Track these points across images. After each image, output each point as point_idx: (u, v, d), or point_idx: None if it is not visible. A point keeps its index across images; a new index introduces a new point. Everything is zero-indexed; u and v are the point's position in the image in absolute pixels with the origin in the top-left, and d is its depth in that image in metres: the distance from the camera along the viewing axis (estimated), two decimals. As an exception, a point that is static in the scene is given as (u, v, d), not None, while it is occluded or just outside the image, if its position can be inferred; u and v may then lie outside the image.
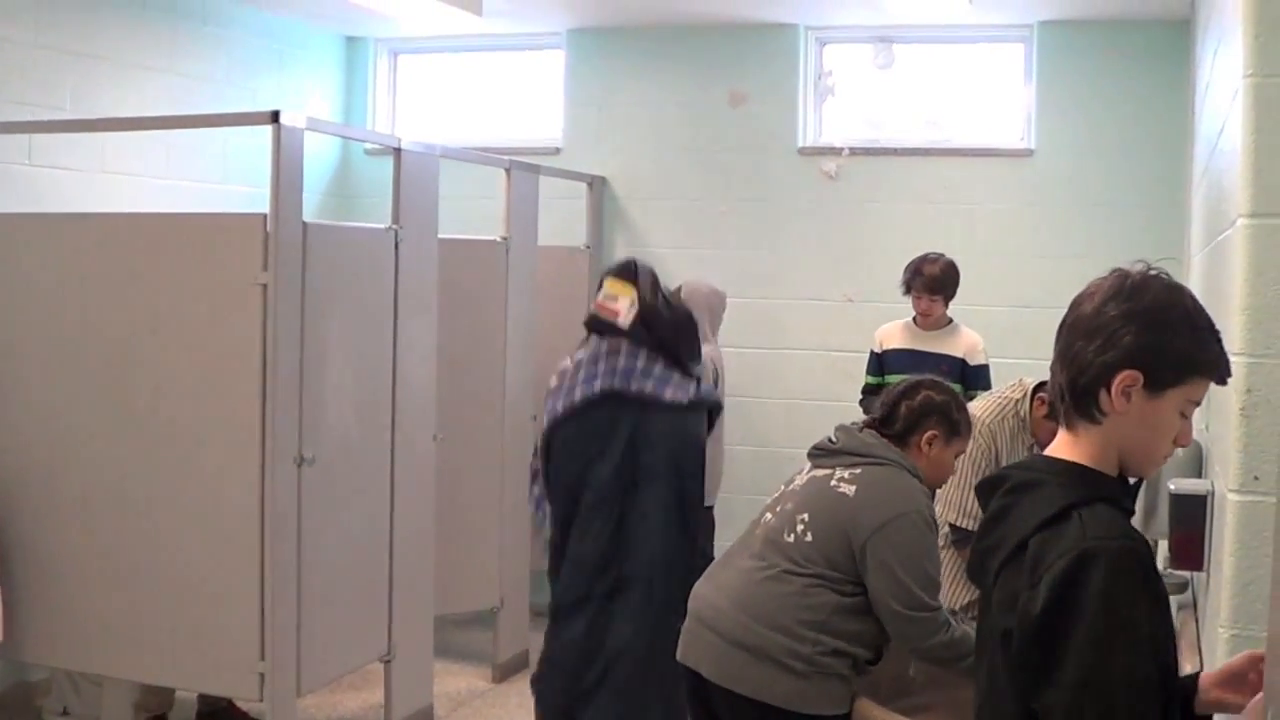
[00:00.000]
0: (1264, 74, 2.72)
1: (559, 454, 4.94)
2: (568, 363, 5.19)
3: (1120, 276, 2.31)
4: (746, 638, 3.93)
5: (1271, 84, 2.70)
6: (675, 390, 4.94)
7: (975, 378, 6.65)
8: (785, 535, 4.00)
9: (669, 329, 5.00)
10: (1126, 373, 2.26)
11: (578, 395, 4.93)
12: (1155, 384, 2.28)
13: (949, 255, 6.80)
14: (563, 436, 4.95)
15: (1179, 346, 2.28)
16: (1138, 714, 2.14)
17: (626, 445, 4.77)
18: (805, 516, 3.99)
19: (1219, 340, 2.33)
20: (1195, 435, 3.83)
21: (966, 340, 6.79)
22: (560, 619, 4.98)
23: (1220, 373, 2.34)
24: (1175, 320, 2.28)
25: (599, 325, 5.00)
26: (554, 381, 5.19)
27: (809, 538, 3.95)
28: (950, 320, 6.86)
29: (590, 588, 4.74)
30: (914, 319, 6.87)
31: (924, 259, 6.77)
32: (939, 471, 4.23)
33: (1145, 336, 2.26)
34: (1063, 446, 2.39)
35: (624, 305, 4.95)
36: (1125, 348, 2.26)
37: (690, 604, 4.17)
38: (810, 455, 4.22)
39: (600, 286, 5.17)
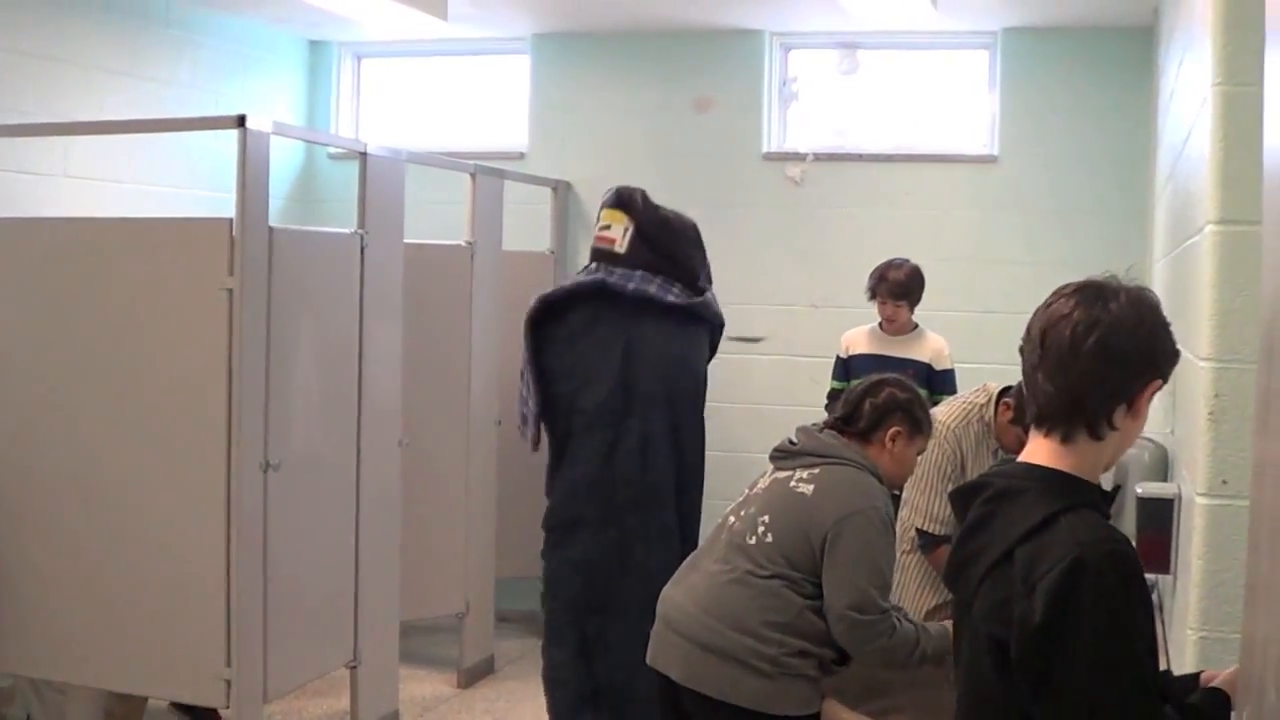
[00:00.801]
0: (1233, 83, 2.74)
1: (552, 374, 4.90)
2: None
3: (1104, 292, 2.34)
4: (713, 640, 3.95)
5: (1241, 92, 2.73)
6: (675, 296, 4.91)
7: (942, 383, 6.67)
8: (748, 538, 4.02)
9: (667, 245, 4.97)
10: (1155, 382, 2.35)
11: (570, 281, 4.88)
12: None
13: (913, 261, 6.82)
14: (554, 356, 4.90)
15: (1164, 347, 2.36)
16: (1145, 714, 2.18)
17: (620, 369, 4.74)
18: (766, 518, 4.02)
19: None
20: (1160, 439, 3.88)
21: (932, 345, 6.80)
22: (555, 539, 4.96)
23: (1176, 360, 2.44)
24: (1159, 324, 2.35)
25: (599, 255, 4.99)
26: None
27: (769, 539, 3.98)
28: (916, 325, 6.88)
29: (581, 512, 4.72)
30: (880, 324, 6.88)
31: (889, 264, 6.79)
32: (900, 469, 4.27)
33: (1157, 346, 2.35)
34: (1043, 454, 2.39)
35: (618, 232, 4.94)
36: (1145, 364, 2.34)
37: (659, 608, 4.18)
38: (772, 458, 4.25)
39: (598, 219, 5.16)
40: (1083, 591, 2.16)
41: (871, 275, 6.81)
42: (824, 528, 3.92)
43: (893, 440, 4.18)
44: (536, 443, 5.47)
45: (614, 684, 4.79)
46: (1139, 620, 2.20)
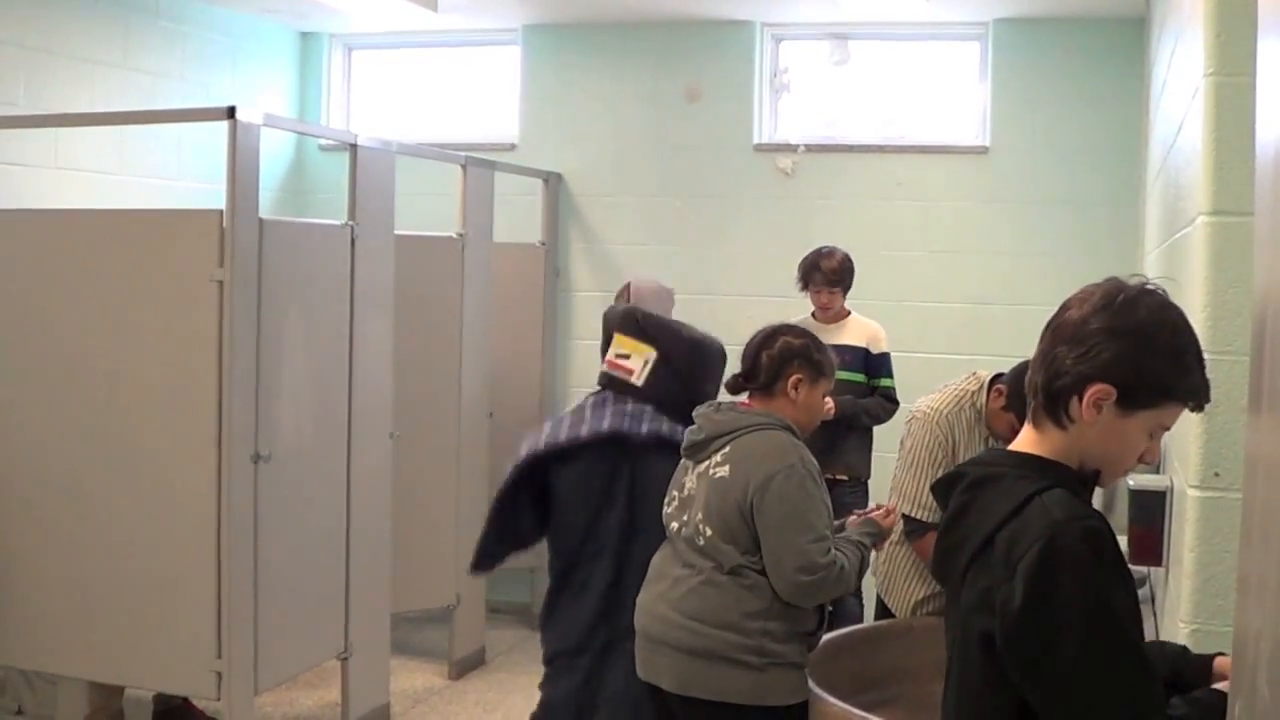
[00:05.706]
0: (1225, 73, 2.74)
1: (562, 505, 4.86)
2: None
3: (1114, 288, 2.30)
4: (698, 643, 3.95)
5: (1232, 83, 2.72)
6: (681, 435, 4.87)
7: (878, 366, 6.68)
8: (698, 540, 4.02)
9: (694, 373, 4.89)
10: (1100, 386, 2.26)
11: (584, 430, 4.80)
12: (1128, 402, 2.27)
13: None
14: (567, 486, 4.84)
15: (1158, 370, 2.27)
16: (1137, 687, 2.18)
17: (628, 495, 4.71)
18: (701, 515, 4.02)
19: (1202, 366, 2.31)
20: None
21: (867, 330, 6.77)
22: (557, 667, 4.90)
23: (1198, 400, 2.34)
24: (1159, 344, 2.27)
25: (611, 383, 4.88)
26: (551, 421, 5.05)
27: (709, 533, 3.99)
28: (849, 312, 6.84)
29: (587, 639, 4.68)
30: (813, 313, 6.83)
31: (819, 253, 6.78)
32: (810, 415, 4.23)
33: (1125, 355, 2.25)
34: (1025, 442, 2.40)
35: (637, 364, 4.84)
36: (1103, 363, 2.25)
37: (637, 621, 4.17)
38: (686, 454, 4.22)
39: (607, 339, 5.01)
40: (1060, 570, 2.15)
41: (802, 265, 6.80)
42: (748, 500, 3.92)
43: (795, 388, 4.14)
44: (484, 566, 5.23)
45: None
46: (1121, 593, 2.19)
